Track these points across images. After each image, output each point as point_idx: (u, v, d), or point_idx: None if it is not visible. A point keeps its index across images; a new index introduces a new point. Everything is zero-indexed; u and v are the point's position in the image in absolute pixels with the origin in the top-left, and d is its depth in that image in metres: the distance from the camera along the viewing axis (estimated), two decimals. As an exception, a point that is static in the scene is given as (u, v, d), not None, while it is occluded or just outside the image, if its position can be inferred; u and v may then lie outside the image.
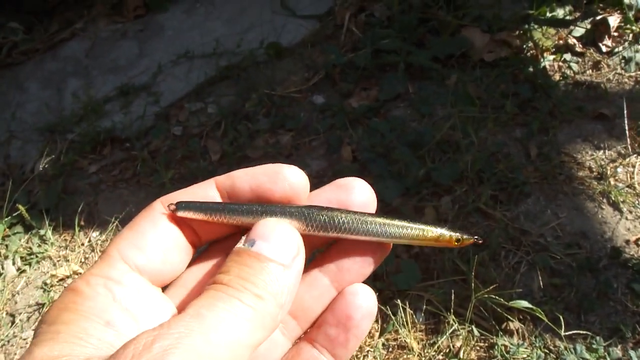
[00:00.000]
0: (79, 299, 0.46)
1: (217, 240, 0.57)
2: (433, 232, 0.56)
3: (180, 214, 0.52)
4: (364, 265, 0.55)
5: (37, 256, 2.27)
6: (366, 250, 0.55)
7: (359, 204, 0.54)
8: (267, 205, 0.52)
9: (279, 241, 0.47)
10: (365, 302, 0.54)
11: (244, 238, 0.48)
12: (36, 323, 2.08)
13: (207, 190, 0.54)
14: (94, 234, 2.29)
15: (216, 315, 0.41)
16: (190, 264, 0.55)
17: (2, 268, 2.27)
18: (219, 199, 0.54)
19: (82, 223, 2.33)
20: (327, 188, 0.56)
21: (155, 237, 0.51)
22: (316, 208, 0.53)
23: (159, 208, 0.53)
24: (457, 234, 0.57)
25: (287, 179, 0.53)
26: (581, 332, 1.73)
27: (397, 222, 0.54)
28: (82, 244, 2.27)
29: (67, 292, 0.47)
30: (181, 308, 0.51)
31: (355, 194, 0.55)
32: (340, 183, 0.56)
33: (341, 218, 0.52)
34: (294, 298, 0.48)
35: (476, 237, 0.58)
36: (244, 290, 0.43)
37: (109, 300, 0.46)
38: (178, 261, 0.53)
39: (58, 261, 2.25)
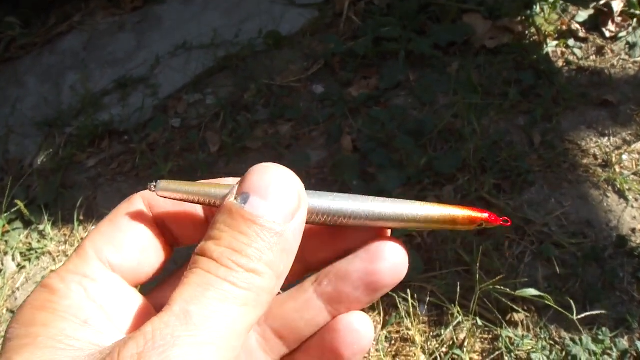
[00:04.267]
0: (54, 298, 0.43)
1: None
2: (448, 212, 0.48)
3: (160, 193, 0.46)
4: (366, 294, 0.48)
5: (36, 252, 2.26)
6: (374, 279, 0.48)
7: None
8: None
9: (277, 194, 0.40)
10: (359, 337, 0.48)
11: (235, 188, 0.41)
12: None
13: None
14: (93, 229, 2.28)
15: (206, 310, 0.36)
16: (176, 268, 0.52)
17: (2, 264, 2.26)
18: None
19: (82, 217, 2.31)
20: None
21: (132, 236, 0.48)
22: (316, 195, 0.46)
23: (139, 202, 0.49)
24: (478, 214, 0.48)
25: None
26: (593, 312, 1.70)
27: (405, 202, 0.48)
28: (82, 239, 2.25)
29: (41, 290, 0.44)
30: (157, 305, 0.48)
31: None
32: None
33: (346, 201, 0.46)
34: (272, 318, 0.45)
35: (503, 218, 0.49)
36: (236, 269, 0.37)
37: (84, 298, 0.44)
38: (154, 262, 0.50)
39: (58, 256, 2.24)
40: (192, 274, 0.39)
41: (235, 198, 0.41)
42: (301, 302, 0.49)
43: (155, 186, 0.46)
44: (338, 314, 0.49)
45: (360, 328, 0.48)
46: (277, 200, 0.40)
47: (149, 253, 0.49)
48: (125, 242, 0.48)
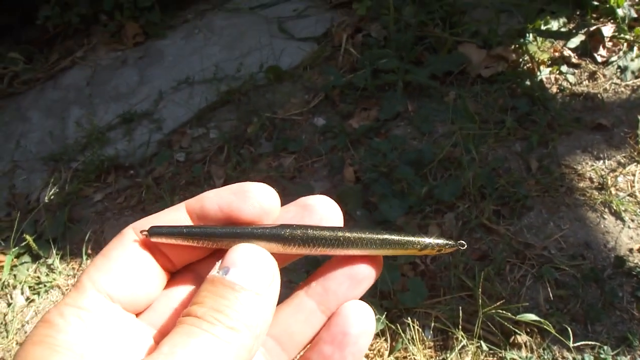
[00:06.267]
0: (52, 332, 0.45)
1: (191, 264, 0.55)
2: (417, 242, 0.54)
3: (154, 239, 0.51)
4: (352, 288, 0.54)
5: (45, 285, 2.28)
6: (354, 272, 0.54)
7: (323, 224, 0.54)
8: (239, 228, 0.51)
9: (253, 268, 0.46)
10: (362, 318, 0.52)
11: (218, 264, 0.47)
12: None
13: (177, 214, 0.53)
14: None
15: (189, 354, 0.41)
16: (166, 287, 0.53)
17: (11, 298, 2.28)
18: (189, 222, 0.53)
19: (90, 251, 2.34)
20: (290, 208, 0.55)
21: (126, 264, 0.50)
22: (288, 227, 0.51)
23: (131, 235, 0.52)
24: (439, 241, 0.55)
25: (256, 197, 0.52)
26: (589, 342, 1.74)
27: (374, 235, 0.53)
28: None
29: (41, 325, 0.46)
30: (156, 336, 0.51)
31: (319, 215, 0.54)
32: (303, 202, 0.55)
33: (316, 234, 0.51)
34: (270, 325, 0.47)
35: (459, 242, 0.56)
36: (217, 324, 0.42)
37: (82, 331, 0.46)
38: (151, 287, 0.52)
39: (66, 290, 2.25)
40: (178, 327, 0.44)
41: (217, 272, 0.46)
42: (294, 306, 0.54)
43: (147, 233, 0.51)
44: (330, 311, 0.54)
45: (360, 310, 0.53)
46: (254, 272, 0.46)
47: (145, 281, 0.51)
48: (119, 273, 0.49)
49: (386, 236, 0.54)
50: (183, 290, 0.53)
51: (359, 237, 0.52)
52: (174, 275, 0.54)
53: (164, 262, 0.53)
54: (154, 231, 0.50)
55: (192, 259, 0.54)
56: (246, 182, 0.53)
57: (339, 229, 0.52)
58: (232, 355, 0.42)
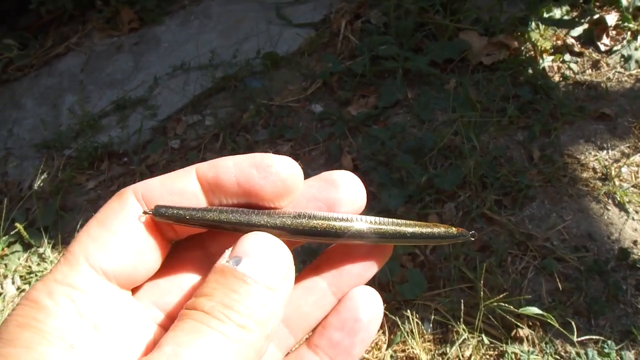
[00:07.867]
0: (40, 316, 0.41)
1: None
2: (434, 231, 0.51)
3: (158, 219, 0.46)
4: (365, 268, 0.52)
5: (36, 275, 2.24)
6: (366, 252, 0.52)
7: (347, 201, 0.50)
8: (254, 214, 0.47)
9: (267, 260, 0.42)
10: (372, 304, 0.50)
11: (228, 252, 0.43)
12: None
13: (186, 181, 0.47)
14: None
15: (196, 355, 0.37)
16: (167, 259, 0.49)
17: (2, 287, 2.24)
18: (200, 193, 0.47)
19: (82, 240, 2.30)
20: (312, 183, 0.50)
21: (126, 237, 0.45)
22: (307, 217, 0.47)
23: (131, 200, 0.46)
24: (453, 232, 0.52)
25: (280, 174, 0.46)
26: (592, 336, 1.70)
27: (390, 226, 0.50)
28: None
29: (28, 304, 0.42)
30: (161, 322, 0.47)
31: (344, 190, 0.50)
32: (327, 177, 0.51)
33: (337, 225, 0.48)
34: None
35: (472, 232, 0.53)
36: (227, 322, 0.39)
37: (74, 316, 0.42)
38: (152, 261, 0.47)
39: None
40: (183, 323, 0.39)
41: (227, 261, 0.42)
42: (305, 287, 0.52)
43: (152, 212, 0.46)
44: (341, 293, 0.51)
45: (371, 296, 0.51)
46: (268, 264, 0.42)
47: (145, 253, 0.46)
48: (118, 245, 0.45)
49: (402, 229, 0.50)
50: (186, 266, 0.50)
51: (375, 229, 0.49)
52: (176, 246, 0.51)
53: (167, 231, 0.48)
54: (160, 212, 0.46)
55: (198, 231, 0.50)
56: (268, 153, 0.47)
57: (356, 218, 0.49)
58: (240, 355, 0.39)
